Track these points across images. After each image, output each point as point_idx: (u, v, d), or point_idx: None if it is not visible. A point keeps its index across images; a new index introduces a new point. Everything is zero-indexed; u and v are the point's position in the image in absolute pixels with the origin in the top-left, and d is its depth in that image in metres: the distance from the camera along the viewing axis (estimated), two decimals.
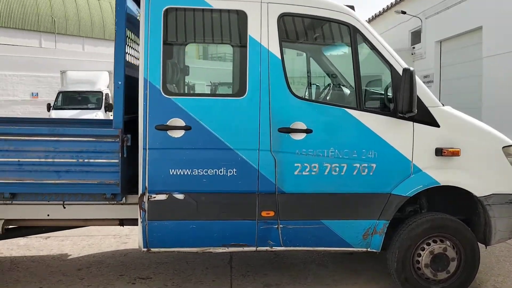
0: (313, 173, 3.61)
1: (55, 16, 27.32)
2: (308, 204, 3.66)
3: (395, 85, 3.59)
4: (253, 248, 3.71)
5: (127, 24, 3.61)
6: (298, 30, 3.80)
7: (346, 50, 3.74)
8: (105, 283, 4.24)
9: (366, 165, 3.65)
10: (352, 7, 3.75)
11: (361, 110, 3.63)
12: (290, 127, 3.57)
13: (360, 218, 3.70)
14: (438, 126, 3.72)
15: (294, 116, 3.58)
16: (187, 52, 3.83)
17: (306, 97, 3.76)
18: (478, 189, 3.76)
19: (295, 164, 3.60)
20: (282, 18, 3.59)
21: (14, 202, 3.65)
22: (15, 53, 22.68)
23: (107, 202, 3.78)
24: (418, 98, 3.65)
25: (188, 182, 3.52)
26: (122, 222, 4.02)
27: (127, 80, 3.59)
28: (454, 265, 3.78)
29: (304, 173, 3.61)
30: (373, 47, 3.66)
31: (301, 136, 3.59)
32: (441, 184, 3.73)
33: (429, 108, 3.72)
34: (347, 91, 3.96)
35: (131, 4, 3.68)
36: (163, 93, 3.47)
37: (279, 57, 3.56)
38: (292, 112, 3.59)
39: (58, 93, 16.37)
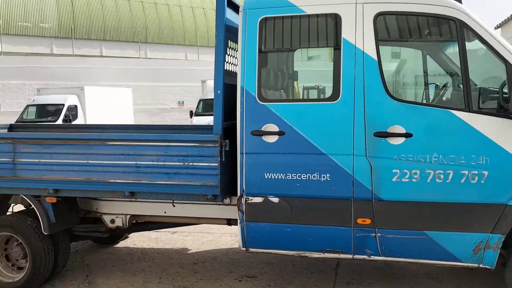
0: (413, 180, 3.39)
1: (198, 31, 29.94)
2: (409, 213, 3.45)
3: (510, 82, 3.18)
4: (350, 256, 3.62)
5: (229, 34, 3.83)
6: (396, 28, 3.61)
7: (452, 47, 3.44)
8: (215, 278, 4.55)
9: (476, 172, 3.30)
10: (459, 0, 3.43)
11: (469, 112, 3.30)
12: (387, 131, 3.41)
13: (469, 230, 3.36)
14: None
15: (391, 120, 3.41)
16: (281, 59, 3.91)
17: (406, 99, 3.54)
18: None
19: (393, 170, 3.42)
20: (379, 18, 3.45)
21: (133, 200, 4.18)
22: (165, 66, 25.44)
23: (214, 203, 4.08)
24: None
25: (282, 186, 3.60)
26: (230, 221, 4.27)
27: (230, 88, 3.81)
28: None
29: (403, 179, 3.41)
30: (484, 42, 3.29)
31: (399, 141, 3.40)
32: None
33: None
34: (453, 91, 3.63)
35: (232, 15, 3.89)
36: (258, 100, 3.61)
37: (375, 58, 3.43)
38: (389, 115, 3.42)
39: (199, 101, 17.84)
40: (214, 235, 5.98)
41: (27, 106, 17.87)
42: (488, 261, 3.36)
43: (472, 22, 3.30)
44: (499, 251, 3.33)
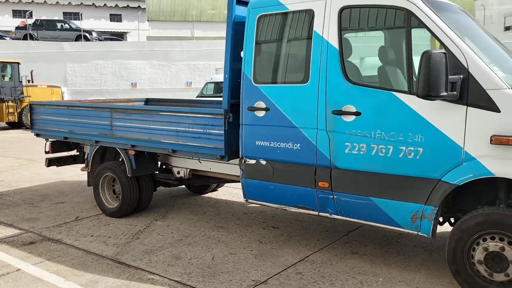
0: (361, 152, 3.93)
1: None
2: (357, 181, 3.99)
3: (451, 69, 3.42)
4: (316, 213, 4.35)
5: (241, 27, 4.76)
6: (357, 20, 4.05)
7: (401, 34, 3.77)
8: (248, 225, 5.68)
9: (412, 148, 3.67)
10: None
11: (410, 94, 3.66)
12: (342, 110, 3.99)
13: (406, 200, 3.75)
14: (498, 111, 3.30)
15: (346, 100, 3.98)
16: (271, 49, 4.63)
17: (359, 82, 3.99)
18: None
19: (346, 143, 4.00)
20: (343, 11, 4.00)
21: (191, 158, 5.54)
22: None
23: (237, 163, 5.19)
24: (475, 80, 3.37)
25: (267, 152, 4.51)
26: None
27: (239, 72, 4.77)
28: None
29: (353, 152, 3.97)
30: (429, 30, 3.58)
31: (351, 118, 3.96)
32: (496, 176, 3.32)
33: (487, 91, 3.34)
34: (398, 75, 3.90)
35: (242, 12, 4.79)
36: (253, 82, 4.56)
37: (337, 47, 4.01)
38: (344, 96, 3.99)
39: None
40: None
41: (206, 83, 21.12)
42: (425, 230, 3.72)
43: (419, 11, 3.61)
44: (433, 221, 3.65)
